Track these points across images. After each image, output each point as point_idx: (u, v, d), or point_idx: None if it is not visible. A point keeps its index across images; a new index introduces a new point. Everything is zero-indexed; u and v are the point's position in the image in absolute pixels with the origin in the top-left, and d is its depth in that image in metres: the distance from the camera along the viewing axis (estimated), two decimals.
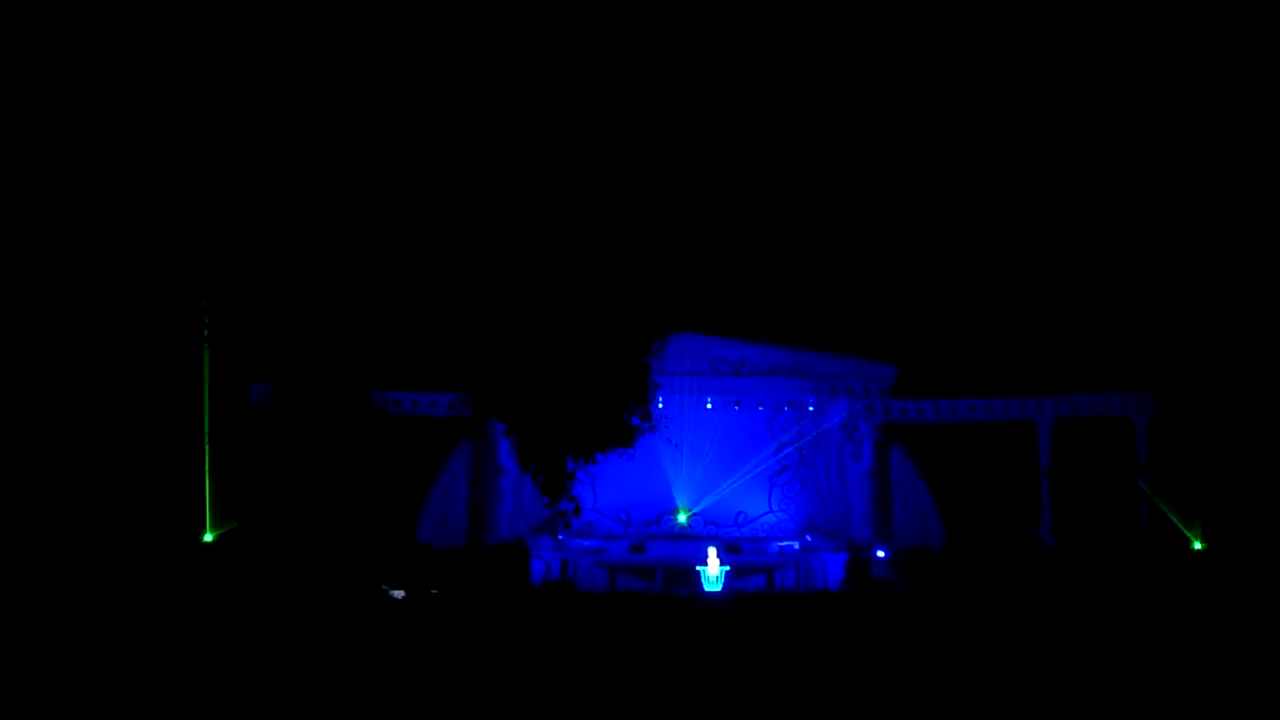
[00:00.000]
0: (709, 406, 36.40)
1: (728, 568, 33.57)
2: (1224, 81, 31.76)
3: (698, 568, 33.47)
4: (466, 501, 35.95)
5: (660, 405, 34.67)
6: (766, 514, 37.24)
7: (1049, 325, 34.56)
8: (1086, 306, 34.18)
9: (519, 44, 31.09)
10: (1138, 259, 33.19)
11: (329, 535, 13.53)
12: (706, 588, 33.06)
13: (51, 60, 26.10)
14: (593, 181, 32.53)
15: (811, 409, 37.54)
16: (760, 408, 37.21)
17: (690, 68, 33.56)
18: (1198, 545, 32.35)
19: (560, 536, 35.35)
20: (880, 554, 35.19)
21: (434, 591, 31.59)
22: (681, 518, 36.39)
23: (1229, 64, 31.62)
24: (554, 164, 31.03)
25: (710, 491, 36.68)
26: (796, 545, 36.23)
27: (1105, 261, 33.81)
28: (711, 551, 33.83)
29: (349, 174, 28.05)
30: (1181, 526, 32.80)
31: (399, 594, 31.49)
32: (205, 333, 30.39)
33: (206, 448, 22.16)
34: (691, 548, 34.99)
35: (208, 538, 29.73)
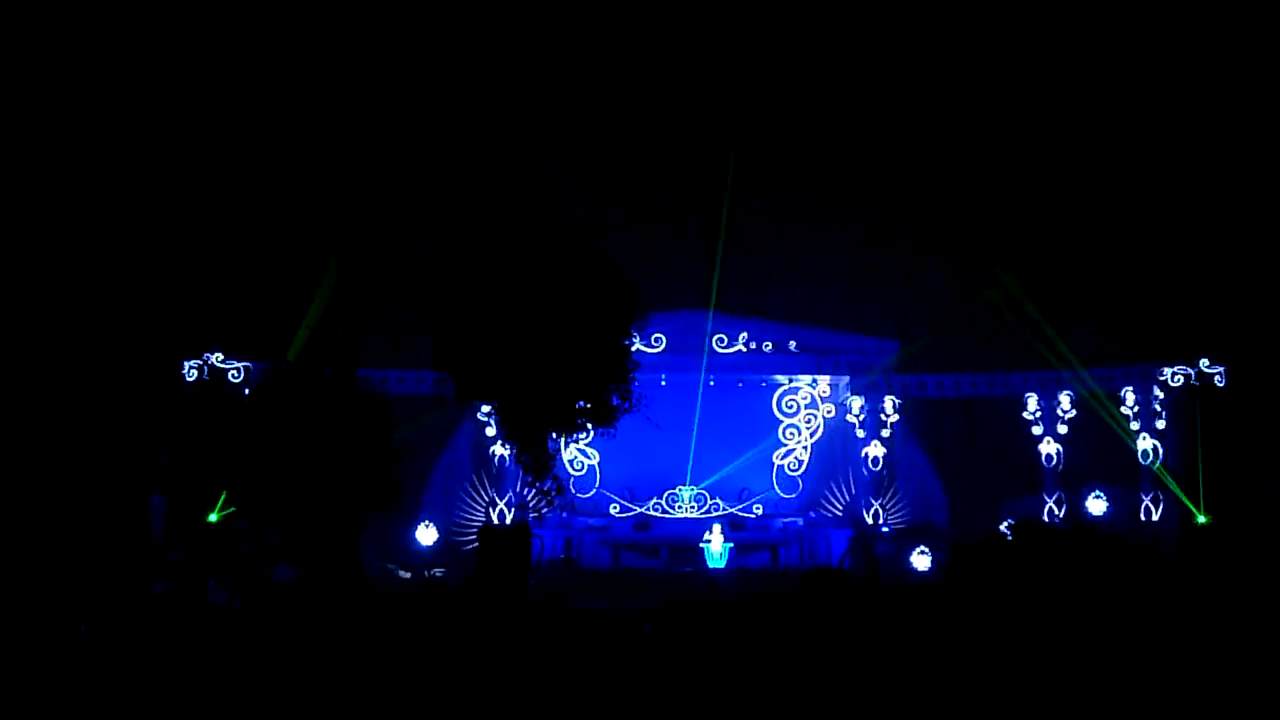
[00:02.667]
0: (712, 384, 36.33)
1: (731, 545, 33.62)
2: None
3: (702, 545, 33.52)
4: (472, 480, 36.09)
5: (663, 383, 34.65)
6: (770, 491, 37.17)
7: (1051, 301, 34.48)
8: (1083, 284, 34.13)
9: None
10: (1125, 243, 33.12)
11: (331, 516, 13.58)
12: (710, 565, 33.11)
13: None
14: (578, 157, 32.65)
15: (814, 385, 37.52)
16: (763, 384, 37.13)
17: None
18: (1201, 519, 32.32)
19: (564, 514, 35.42)
20: (884, 530, 35.21)
21: (439, 571, 31.70)
22: (686, 495, 36.38)
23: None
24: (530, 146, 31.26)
25: (714, 469, 36.65)
26: (800, 522, 36.22)
27: (1094, 242, 33.75)
28: (715, 529, 33.88)
29: (334, 160, 28.07)
30: (1187, 499, 32.79)
31: (405, 574, 31.62)
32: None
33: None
34: (695, 525, 35.03)
35: (212, 518, 29.85)
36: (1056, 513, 34.37)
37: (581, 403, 11.95)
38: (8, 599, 16.90)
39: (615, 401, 12.45)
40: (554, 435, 12.05)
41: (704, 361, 36.18)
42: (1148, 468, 33.95)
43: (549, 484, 13.85)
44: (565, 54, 32.03)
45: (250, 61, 28.52)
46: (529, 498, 15.50)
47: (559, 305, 10.56)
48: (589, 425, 12.17)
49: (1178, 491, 32.87)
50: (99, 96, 27.44)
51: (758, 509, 36.58)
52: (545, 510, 16.85)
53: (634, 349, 16.23)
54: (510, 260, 10.73)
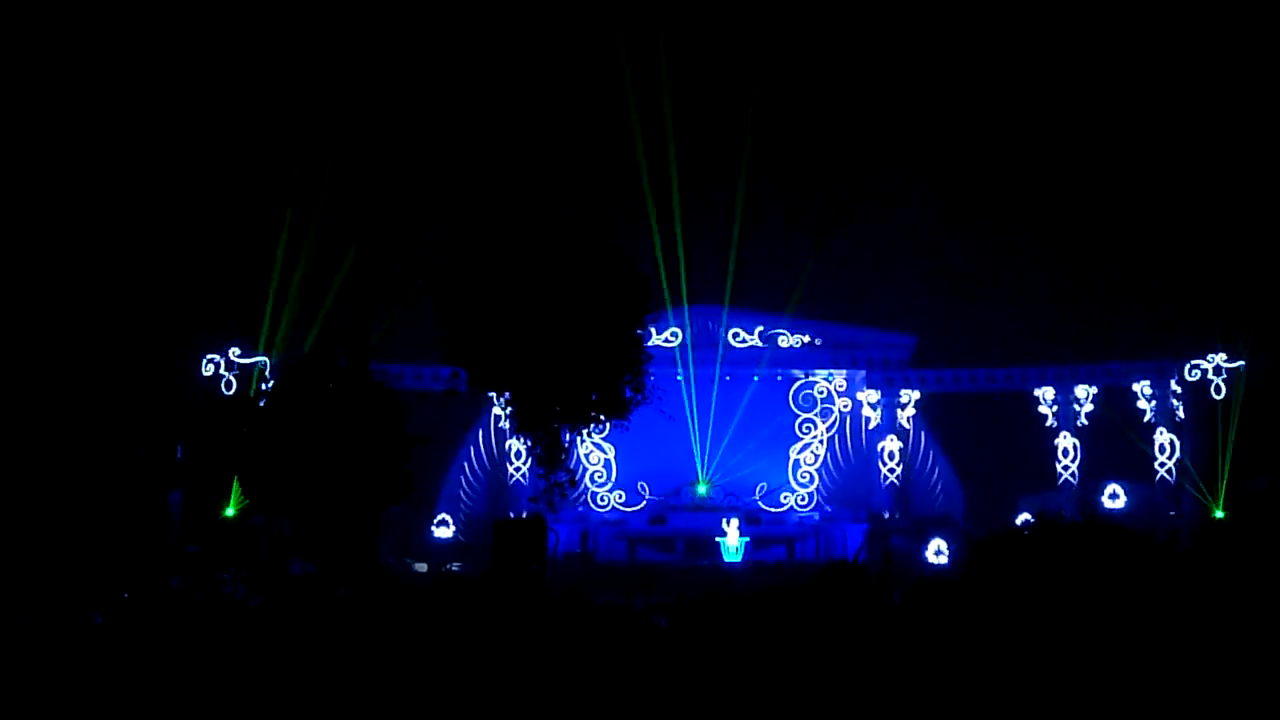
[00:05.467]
0: (728, 378, 36.30)
1: (748, 539, 33.54)
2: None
3: (718, 539, 33.45)
4: (488, 474, 36.18)
5: (679, 377, 34.67)
6: (786, 485, 37.08)
7: (1067, 295, 34.42)
8: (1098, 278, 34.07)
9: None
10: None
11: (346, 510, 13.59)
12: (726, 559, 33.06)
13: None
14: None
15: (830, 380, 37.43)
16: (779, 379, 37.05)
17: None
18: (1218, 513, 32.18)
19: (580, 508, 35.47)
20: (900, 523, 35.10)
21: (455, 565, 31.72)
22: (701, 489, 36.33)
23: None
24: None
25: (730, 463, 36.60)
26: (817, 516, 36.17)
27: (1112, 238, 33.66)
28: (732, 522, 33.81)
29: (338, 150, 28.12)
30: (1203, 494, 32.66)
31: (421, 568, 31.65)
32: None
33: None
34: (711, 519, 34.94)
35: (229, 512, 29.94)
36: (1073, 507, 34.22)
37: (594, 394, 11.99)
38: (27, 592, 16.99)
39: (628, 394, 12.46)
40: (567, 427, 12.11)
41: (720, 356, 36.15)
42: (1164, 462, 33.83)
43: (561, 475, 13.83)
44: (580, 47, 32.02)
45: (264, 57, 28.59)
46: (542, 490, 15.53)
47: (571, 298, 10.59)
48: (602, 417, 12.20)
49: (1196, 488, 32.75)
50: (111, 94, 27.53)
51: (774, 502, 36.55)
52: (558, 501, 16.89)
53: (650, 343, 16.30)
54: (523, 254, 10.77)
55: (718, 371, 36.06)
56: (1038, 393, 35.37)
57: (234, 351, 32.70)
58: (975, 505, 35.16)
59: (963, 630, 13.22)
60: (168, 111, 28.75)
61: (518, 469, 35.32)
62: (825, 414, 37.52)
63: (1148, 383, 34.23)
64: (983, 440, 35.37)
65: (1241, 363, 32.84)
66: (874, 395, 36.36)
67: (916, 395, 36.17)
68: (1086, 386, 34.95)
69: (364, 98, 28.40)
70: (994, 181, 34.33)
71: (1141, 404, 34.31)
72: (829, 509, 36.62)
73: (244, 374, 32.64)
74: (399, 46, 29.23)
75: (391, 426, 11.76)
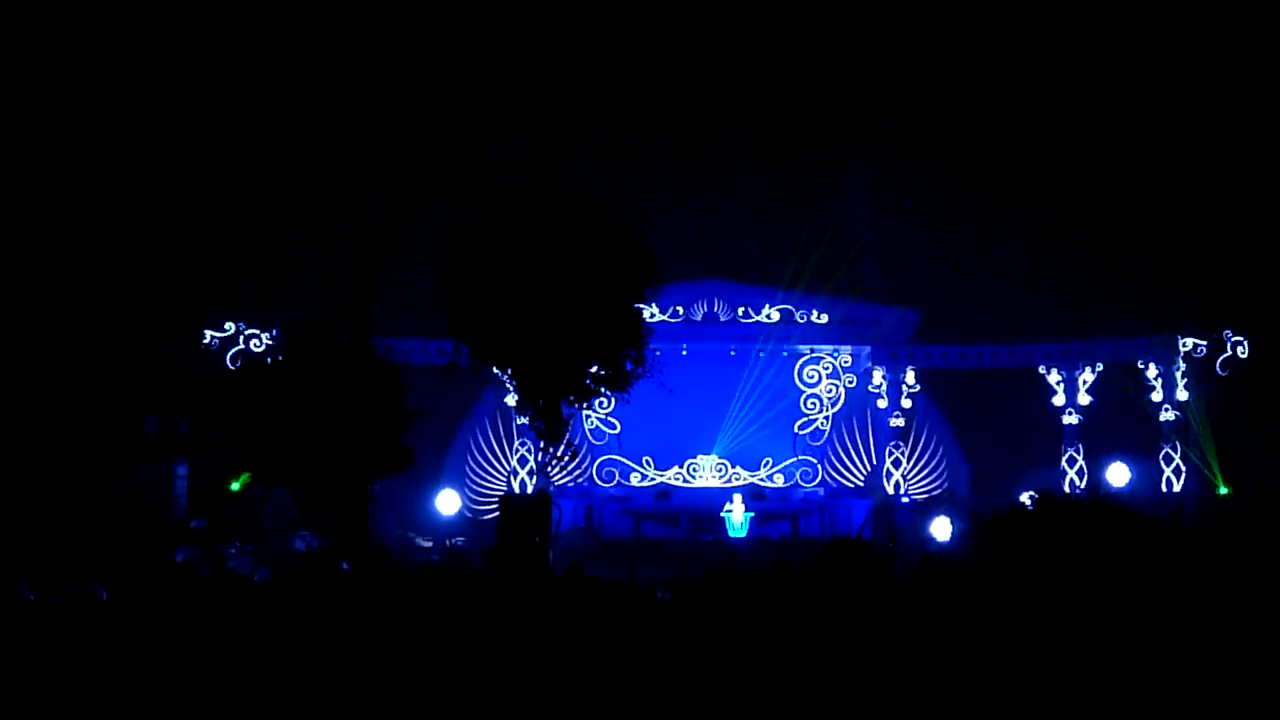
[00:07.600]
0: (733, 353, 36.26)
1: (752, 514, 33.58)
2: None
3: (723, 514, 33.50)
4: (494, 450, 36.21)
5: (684, 352, 34.65)
6: (791, 460, 37.10)
7: (1072, 271, 34.35)
8: (1104, 254, 33.99)
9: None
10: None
11: (346, 485, 13.56)
12: (731, 534, 33.12)
13: None
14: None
15: (835, 355, 37.41)
16: (784, 354, 37.00)
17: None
18: (1223, 490, 32.16)
19: (585, 484, 35.51)
20: (905, 500, 35.12)
21: (459, 540, 31.79)
22: (707, 464, 36.35)
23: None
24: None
25: (735, 438, 36.61)
26: (821, 492, 36.20)
27: (1118, 210, 33.58)
28: (736, 498, 33.86)
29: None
30: (1208, 471, 32.64)
31: (426, 543, 31.71)
32: None
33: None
34: (717, 494, 35.00)
35: (234, 486, 30.01)
36: (1077, 483, 34.23)
37: (595, 368, 11.99)
38: (30, 566, 17.04)
39: (629, 367, 12.45)
40: (569, 400, 12.11)
41: (725, 331, 36.09)
42: (1169, 439, 33.80)
43: (563, 449, 13.83)
44: (583, 18, 31.90)
45: (258, 30, 28.52)
46: (544, 464, 15.50)
47: (572, 270, 10.59)
48: (603, 390, 12.23)
49: (1208, 462, 32.71)
50: (108, 72, 27.49)
51: (779, 478, 36.58)
52: (557, 475, 16.86)
53: (655, 318, 16.26)
54: (524, 225, 10.77)
55: (721, 346, 36.09)
56: (1042, 369, 35.29)
57: (238, 325, 32.68)
58: (980, 482, 35.19)
59: (966, 607, 13.21)
60: (166, 88, 28.71)
61: (523, 443, 35.32)
62: (830, 390, 37.52)
63: (1153, 360, 34.15)
64: (987, 417, 35.34)
65: (1246, 340, 32.83)
66: (879, 371, 36.29)
67: (921, 371, 36.10)
68: (1091, 363, 34.86)
69: (361, 72, 28.33)
70: (999, 156, 34.20)
71: (1147, 381, 34.24)
72: (833, 484, 36.64)
73: (247, 347, 32.62)
74: (395, 17, 29.13)
75: (391, 400, 11.78)
